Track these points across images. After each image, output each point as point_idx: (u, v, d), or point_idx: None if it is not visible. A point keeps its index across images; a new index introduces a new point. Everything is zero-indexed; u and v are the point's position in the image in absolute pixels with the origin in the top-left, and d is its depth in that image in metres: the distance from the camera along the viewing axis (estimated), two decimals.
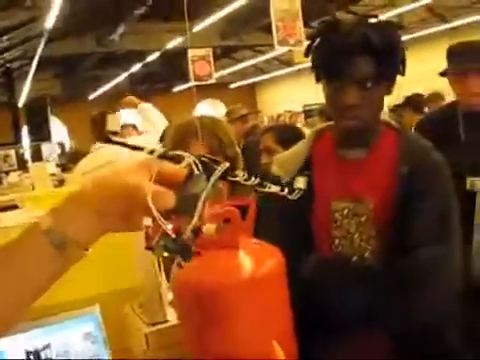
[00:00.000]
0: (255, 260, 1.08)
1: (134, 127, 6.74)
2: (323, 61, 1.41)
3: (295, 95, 22.04)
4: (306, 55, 1.49)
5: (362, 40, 1.34)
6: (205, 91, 17.51)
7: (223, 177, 0.80)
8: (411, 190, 1.40)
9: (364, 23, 1.40)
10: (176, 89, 20.90)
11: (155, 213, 0.68)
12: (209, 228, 1.06)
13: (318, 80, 1.50)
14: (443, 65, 2.55)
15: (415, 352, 1.37)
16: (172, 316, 1.41)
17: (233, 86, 24.20)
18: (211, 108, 21.96)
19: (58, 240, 0.69)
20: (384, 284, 1.37)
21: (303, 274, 1.35)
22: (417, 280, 1.37)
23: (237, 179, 0.86)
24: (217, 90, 20.53)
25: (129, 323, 1.53)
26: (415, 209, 1.39)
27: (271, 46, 11.94)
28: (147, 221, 0.75)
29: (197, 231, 0.74)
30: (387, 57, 1.37)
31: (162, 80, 20.73)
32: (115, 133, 4.46)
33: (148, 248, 0.74)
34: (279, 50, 12.34)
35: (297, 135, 2.77)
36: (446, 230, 1.43)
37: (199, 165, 0.77)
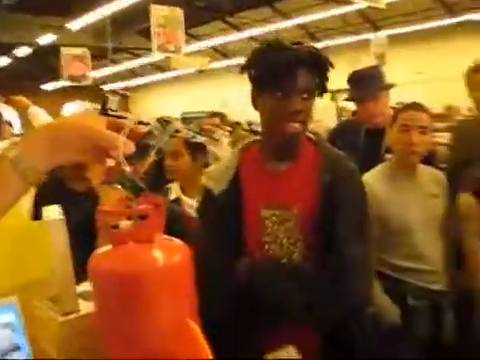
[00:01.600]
0: (167, 253, 1.20)
1: (10, 125, 6.46)
2: (270, 74, 1.51)
3: (171, 101, 22.18)
4: (243, 69, 1.61)
5: (305, 56, 1.51)
6: (76, 92, 17.03)
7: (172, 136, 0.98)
8: (332, 196, 1.55)
9: (301, 44, 1.60)
10: (45, 87, 20.10)
11: (121, 156, 0.84)
12: (126, 224, 1.17)
13: (259, 92, 1.60)
14: None
15: (339, 343, 1.57)
16: (83, 306, 1.48)
17: (106, 88, 23.76)
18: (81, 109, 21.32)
19: (22, 167, 0.88)
20: (311, 282, 1.52)
21: (238, 276, 1.48)
22: (341, 277, 1.52)
23: (180, 135, 1.01)
24: (88, 91, 20.05)
25: (39, 314, 1.56)
26: (337, 213, 1.54)
27: (148, 50, 11.99)
28: (110, 162, 0.93)
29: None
30: (320, 73, 1.56)
31: (30, 77, 19.84)
32: None
33: (107, 182, 0.92)
34: (156, 55, 12.39)
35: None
36: (363, 231, 1.62)
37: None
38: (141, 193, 0.99)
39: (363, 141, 2.81)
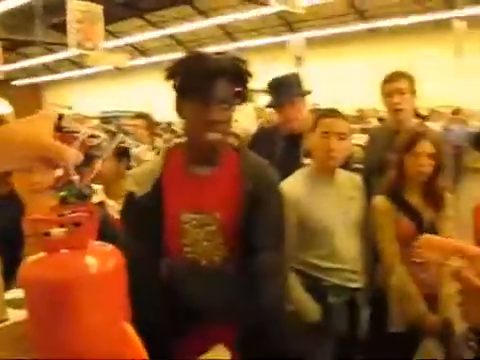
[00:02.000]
0: (101, 259, 1.23)
1: None
2: (192, 84, 1.56)
3: (88, 99, 21.66)
4: (168, 78, 1.63)
5: (226, 66, 1.57)
6: None
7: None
8: (254, 204, 1.62)
9: (225, 55, 1.65)
10: None
11: (70, 165, 0.88)
12: (59, 231, 1.19)
13: (182, 100, 1.64)
14: None
15: (256, 344, 1.64)
16: (11, 314, 1.46)
17: (17, 83, 22.86)
18: None
19: None
20: (230, 284, 1.59)
21: (159, 277, 1.52)
22: (260, 281, 1.58)
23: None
24: None
25: None
26: (257, 219, 1.61)
27: (64, 45, 11.64)
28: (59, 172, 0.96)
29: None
30: (241, 83, 1.61)
31: None
32: None
33: (56, 190, 0.96)
34: (73, 51, 12.07)
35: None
36: (281, 237, 1.71)
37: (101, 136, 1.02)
38: (87, 201, 1.03)
39: (281, 146, 2.92)
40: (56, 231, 1.18)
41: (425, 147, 2.45)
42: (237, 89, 1.61)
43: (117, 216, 2.03)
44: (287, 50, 15.38)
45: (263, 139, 3.10)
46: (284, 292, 1.78)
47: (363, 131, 10.11)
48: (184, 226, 1.65)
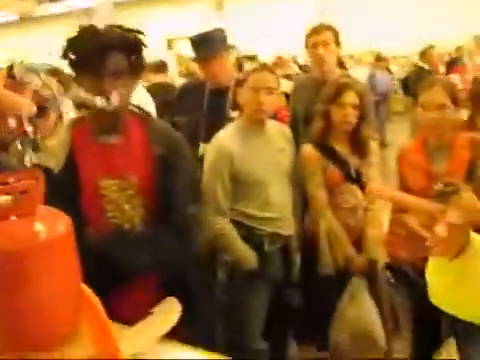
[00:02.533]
0: (50, 225, 1.26)
1: None
2: (85, 59, 1.64)
3: None
4: (64, 56, 1.72)
5: (116, 39, 1.65)
6: None
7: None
8: (166, 166, 1.75)
9: (115, 28, 1.72)
10: None
11: (24, 117, 0.91)
12: (6, 199, 1.21)
13: (78, 74, 1.71)
14: None
15: (172, 293, 1.74)
16: None
17: None
18: None
19: None
20: (157, 241, 1.73)
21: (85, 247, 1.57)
22: (183, 233, 1.75)
23: None
24: None
25: None
26: (172, 180, 1.76)
27: None
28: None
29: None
30: (132, 54, 1.69)
31: None
32: None
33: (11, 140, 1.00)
34: None
35: None
36: (197, 192, 1.92)
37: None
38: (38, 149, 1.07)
39: (208, 100, 2.97)
40: (3, 199, 1.20)
41: (350, 98, 2.57)
42: (130, 60, 1.69)
43: None
44: None
45: (189, 93, 3.13)
46: (202, 241, 1.95)
47: (285, 77, 10.31)
48: (103, 192, 1.73)
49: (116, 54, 1.65)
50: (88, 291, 1.24)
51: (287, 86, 7.25)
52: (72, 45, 1.68)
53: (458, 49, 11.88)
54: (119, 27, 1.71)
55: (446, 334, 2.43)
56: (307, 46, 3.14)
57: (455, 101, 2.30)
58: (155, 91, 4.91)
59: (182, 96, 3.13)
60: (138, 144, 1.77)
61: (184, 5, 17.78)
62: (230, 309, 2.60)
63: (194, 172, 1.94)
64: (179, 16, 17.91)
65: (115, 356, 1.19)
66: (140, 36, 1.73)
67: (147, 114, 1.89)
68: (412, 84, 9.76)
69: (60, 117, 2.25)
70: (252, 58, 16.13)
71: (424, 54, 8.20)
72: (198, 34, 3.17)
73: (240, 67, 6.01)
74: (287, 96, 3.44)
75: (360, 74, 10.65)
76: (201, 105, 2.93)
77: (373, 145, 2.68)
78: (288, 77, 10.36)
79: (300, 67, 12.06)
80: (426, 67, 7.69)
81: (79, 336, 1.27)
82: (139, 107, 1.88)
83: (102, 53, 1.62)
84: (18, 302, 1.17)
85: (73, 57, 1.68)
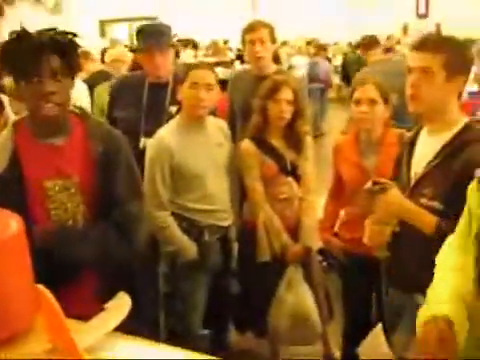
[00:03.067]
0: (2, 225, 1.34)
1: None
2: (20, 63, 1.69)
3: None
4: (2, 65, 1.79)
5: (48, 42, 1.71)
6: None
7: None
8: (107, 163, 1.84)
9: (46, 32, 1.77)
10: None
11: None
12: None
13: (17, 80, 1.75)
14: None
15: (117, 289, 1.81)
16: None
17: None
18: None
19: None
20: (100, 236, 1.82)
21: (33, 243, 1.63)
22: (126, 230, 1.85)
23: None
24: None
25: None
26: (112, 177, 1.85)
27: None
28: None
29: None
30: (67, 56, 1.75)
31: None
32: None
33: None
34: None
35: None
36: (137, 189, 1.97)
37: None
38: None
39: (147, 94, 3.02)
40: None
41: (285, 94, 2.70)
42: (65, 61, 1.74)
43: None
44: None
45: (128, 87, 3.14)
46: (145, 235, 2.03)
47: (221, 65, 10.39)
48: (48, 192, 1.80)
49: (51, 56, 1.70)
50: (42, 288, 1.32)
51: (223, 73, 7.33)
52: (6, 51, 1.74)
53: (389, 38, 12.30)
54: (51, 30, 1.77)
55: (376, 317, 2.64)
56: (244, 42, 3.26)
57: (386, 99, 2.49)
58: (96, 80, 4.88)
59: (121, 90, 3.14)
60: (79, 144, 1.84)
61: None
62: (172, 298, 2.71)
63: (134, 170, 1.99)
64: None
65: (72, 350, 1.28)
66: (72, 37, 1.79)
67: (86, 113, 1.96)
68: (350, 71, 10.14)
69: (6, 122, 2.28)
70: (188, 42, 16.11)
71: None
72: (147, 24, 3.21)
73: (177, 53, 6.03)
74: (222, 83, 3.53)
75: (301, 62, 10.90)
76: (140, 99, 2.97)
77: (308, 139, 2.84)
78: (224, 64, 10.46)
79: (235, 53, 12.20)
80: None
81: (35, 331, 1.36)
82: (78, 107, 1.94)
83: (37, 56, 1.67)
84: None
85: (9, 63, 1.74)
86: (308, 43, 13.24)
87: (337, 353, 3.01)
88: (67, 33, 1.79)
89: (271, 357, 3.07)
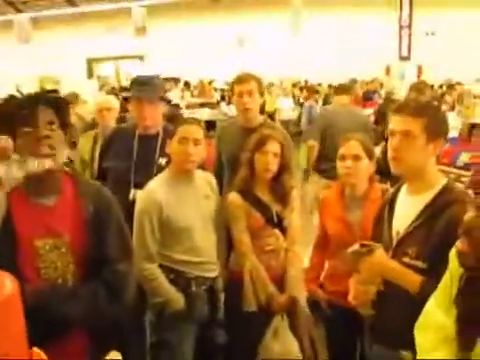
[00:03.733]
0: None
1: None
2: (20, 113, 1.78)
3: None
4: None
5: (44, 97, 1.84)
6: None
7: None
8: (97, 223, 1.90)
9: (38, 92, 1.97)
10: None
11: None
12: None
13: (15, 132, 1.81)
14: None
15: (107, 344, 1.90)
16: None
17: None
18: None
19: None
20: (89, 295, 1.85)
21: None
22: (115, 289, 1.90)
23: None
24: None
25: None
26: (103, 236, 1.91)
27: None
28: None
29: None
30: (60, 110, 1.85)
31: None
32: None
33: None
34: None
35: None
36: (126, 249, 2.02)
37: None
38: None
39: (137, 146, 3.10)
40: None
41: (271, 147, 2.79)
42: (58, 115, 1.85)
43: None
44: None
45: (119, 138, 3.21)
46: (133, 293, 2.07)
47: (207, 105, 10.59)
48: (39, 251, 1.85)
49: (46, 108, 1.80)
50: (37, 350, 1.36)
51: (209, 115, 7.46)
52: (4, 108, 1.83)
53: (374, 81, 12.62)
54: (45, 91, 1.88)
55: None
56: (233, 94, 3.37)
57: (370, 155, 2.59)
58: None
59: (112, 141, 3.21)
60: (71, 204, 1.90)
61: (107, 27, 17.79)
62: (159, 348, 2.73)
63: (124, 229, 2.05)
64: (101, 38, 17.90)
65: None
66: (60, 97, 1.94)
67: (77, 173, 2.05)
68: None
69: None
70: (176, 80, 16.33)
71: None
72: (140, 76, 3.33)
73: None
74: (209, 124, 3.62)
75: (286, 104, 11.11)
76: (131, 150, 3.04)
77: (294, 192, 2.92)
78: (210, 105, 10.62)
79: (220, 93, 12.40)
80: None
81: None
82: (71, 167, 2.02)
83: (34, 107, 1.78)
84: None
85: (7, 121, 1.80)
86: (293, 85, 13.52)
87: None
88: (55, 91, 1.89)
89: None
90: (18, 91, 2.06)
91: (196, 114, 11.51)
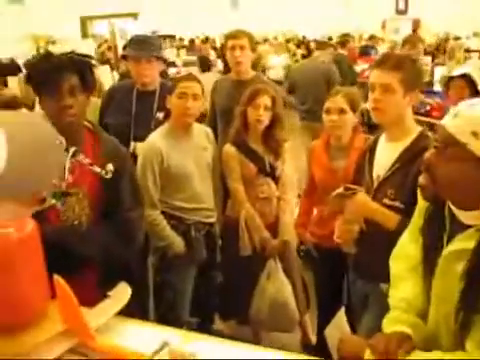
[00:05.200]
0: (20, 227, 1.59)
1: None
2: (44, 80, 1.94)
3: None
4: (27, 80, 2.02)
5: (67, 63, 1.96)
6: None
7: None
8: (113, 176, 2.03)
9: (65, 54, 2.03)
10: None
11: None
12: None
13: (39, 95, 2.01)
14: None
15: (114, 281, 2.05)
16: None
17: None
18: None
19: None
20: (104, 236, 2.06)
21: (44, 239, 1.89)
22: (127, 232, 2.13)
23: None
24: None
25: None
26: (117, 188, 2.11)
27: None
28: None
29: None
30: (83, 75, 2.00)
31: None
32: None
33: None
34: None
35: None
36: (138, 199, 2.24)
37: None
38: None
39: (136, 101, 3.26)
40: None
41: (263, 100, 2.98)
42: (82, 80, 2.00)
43: None
44: None
45: (118, 94, 3.37)
46: (142, 237, 2.32)
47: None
48: None
49: (69, 75, 1.95)
50: (58, 277, 1.58)
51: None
52: (31, 69, 2.00)
53: (372, 37, 12.59)
54: (71, 53, 2.04)
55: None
56: (226, 48, 3.55)
57: (354, 108, 2.77)
58: None
59: (111, 98, 3.37)
60: (91, 157, 2.06)
61: None
62: (162, 288, 2.98)
63: (136, 181, 2.27)
64: None
65: (84, 330, 1.56)
66: (88, 59, 2.06)
67: (98, 128, 2.20)
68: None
69: None
70: (172, 37, 16.27)
71: (343, 43, 8.76)
72: (138, 34, 3.51)
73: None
74: None
75: (276, 62, 10.96)
76: (130, 106, 3.22)
77: (286, 144, 3.11)
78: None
79: (216, 50, 12.40)
80: (345, 53, 8.25)
81: (50, 316, 1.62)
82: (92, 122, 2.19)
83: (57, 74, 1.93)
84: (1, 287, 1.51)
85: (34, 80, 1.98)
86: (287, 41, 13.45)
87: (314, 340, 3.30)
88: (84, 55, 2.06)
89: (253, 342, 3.35)
90: (47, 52, 2.18)
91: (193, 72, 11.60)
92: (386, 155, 2.20)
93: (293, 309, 3.09)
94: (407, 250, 1.78)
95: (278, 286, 3.07)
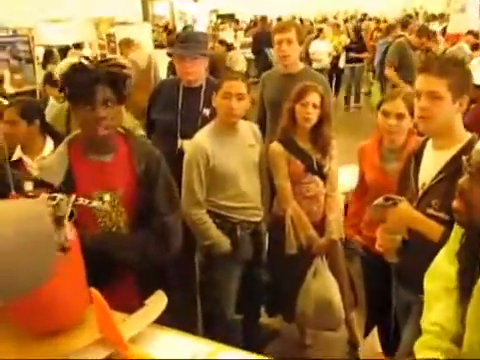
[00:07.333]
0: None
1: None
2: (78, 92, 1.99)
3: None
4: (60, 90, 2.06)
5: (103, 75, 1.99)
6: None
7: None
8: (147, 179, 2.12)
9: (101, 64, 2.06)
10: None
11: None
12: None
13: (74, 105, 2.05)
14: None
15: (152, 284, 2.04)
16: None
17: None
18: None
19: None
20: (141, 241, 2.11)
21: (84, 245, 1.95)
22: (164, 236, 2.15)
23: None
24: None
25: None
26: (152, 191, 2.13)
27: None
28: None
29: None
30: (117, 87, 2.03)
31: None
32: None
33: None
34: None
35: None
36: (174, 203, 2.24)
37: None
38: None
39: (182, 98, 3.29)
40: None
41: (312, 98, 2.94)
42: (115, 91, 2.03)
43: (34, 172, 2.37)
44: None
45: (165, 91, 3.42)
46: (180, 242, 2.29)
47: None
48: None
49: (103, 87, 1.99)
50: (93, 289, 1.64)
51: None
52: (66, 80, 2.04)
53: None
54: (105, 61, 2.08)
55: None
56: (273, 42, 3.54)
57: (412, 111, 2.66)
58: None
59: (158, 94, 3.41)
60: (125, 161, 2.12)
61: None
62: (208, 286, 3.03)
63: (172, 185, 2.26)
64: None
65: (118, 340, 1.61)
66: (123, 70, 2.09)
67: (130, 133, 2.24)
68: None
69: None
70: (231, 16, 16.22)
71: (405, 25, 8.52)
72: (184, 31, 3.52)
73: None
74: None
75: (321, 48, 10.49)
76: (176, 103, 3.25)
77: (333, 142, 3.07)
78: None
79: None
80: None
81: (87, 324, 1.69)
82: (124, 128, 2.23)
83: (92, 87, 1.97)
84: (44, 294, 1.57)
85: (68, 91, 2.03)
86: (345, 21, 13.04)
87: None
88: (118, 65, 2.09)
89: (298, 339, 3.37)
90: (82, 64, 2.20)
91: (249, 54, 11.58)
92: (432, 163, 2.12)
93: (339, 308, 3.07)
94: (443, 269, 1.73)
95: (324, 284, 3.06)
